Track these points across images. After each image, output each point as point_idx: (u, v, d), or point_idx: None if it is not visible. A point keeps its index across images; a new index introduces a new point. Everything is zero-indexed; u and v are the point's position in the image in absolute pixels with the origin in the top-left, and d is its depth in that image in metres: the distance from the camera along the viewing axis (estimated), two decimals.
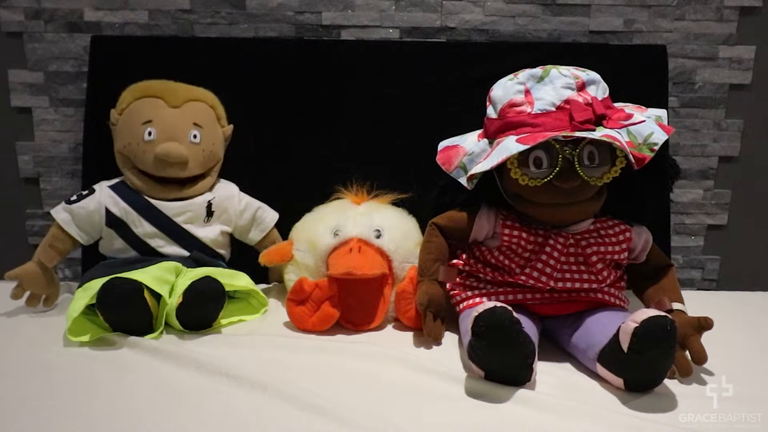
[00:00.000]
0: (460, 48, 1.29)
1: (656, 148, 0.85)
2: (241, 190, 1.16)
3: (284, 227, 1.15)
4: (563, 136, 0.83)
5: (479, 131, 0.98)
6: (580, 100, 0.86)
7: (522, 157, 0.86)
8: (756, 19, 1.29)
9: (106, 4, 1.28)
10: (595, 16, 1.29)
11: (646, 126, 0.87)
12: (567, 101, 0.86)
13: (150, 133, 1.04)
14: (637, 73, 1.24)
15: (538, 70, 0.89)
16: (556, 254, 0.89)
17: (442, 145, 1.01)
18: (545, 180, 0.85)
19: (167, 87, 1.09)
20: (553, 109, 0.86)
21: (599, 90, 0.89)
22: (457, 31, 1.30)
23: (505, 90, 0.90)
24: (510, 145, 0.84)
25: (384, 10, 1.29)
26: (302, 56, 1.26)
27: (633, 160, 0.84)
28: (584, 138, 0.83)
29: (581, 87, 0.87)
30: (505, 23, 1.30)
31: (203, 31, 1.29)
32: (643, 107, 0.94)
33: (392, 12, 1.29)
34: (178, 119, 1.06)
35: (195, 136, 1.06)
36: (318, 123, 1.27)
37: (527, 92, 0.88)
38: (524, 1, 1.29)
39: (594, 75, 0.89)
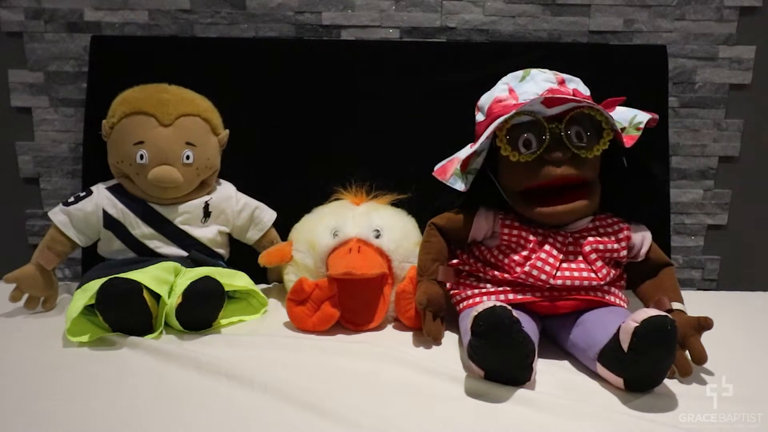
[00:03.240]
0: (460, 48, 1.29)
1: (642, 126, 0.89)
2: (241, 190, 1.16)
3: (284, 228, 1.15)
4: (546, 98, 0.85)
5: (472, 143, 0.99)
6: (562, 90, 0.90)
7: (512, 139, 0.88)
8: (756, 19, 1.29)
9: (106, 4, 1.28)
10: (595, 16, 1.29)
11: (628, 111, 0.92)
12: (549, 90, 0.89)
13: (142, 156, 1.03)
14: (637, 73, 1.24)
15: (519, 72, 0.94)
16: (555, 252, 0.89)
17: (438, 166, 1.01)
18: (536, 154, 0.87)
19: (159, 101, 1.05)
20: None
21: (579, 87, 0.94)
22: (457, 31, 1.30)
23: (490, 93, 0.96)
24: (497, 121, 0.88)
25: (384, 10, 1.29)
26: (302, 56, 1.26)
27: (620, 132, 0.88)
28: (570, 112, 0.86)
29: (561, 82, 0.92)
30: (505, 23, 1.30)
31: (203, 31, 1.29)
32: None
33: (392, 12, 1.29)
34: (170, 140, 1.05)
35: (188, 157, 1.05)
36: (317, 123, 1.27)
37: (511, 90, 0.93)
38: (524, 1, 1.29)
39: (575, 77, 0.94)
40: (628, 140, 0.89)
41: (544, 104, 0.86)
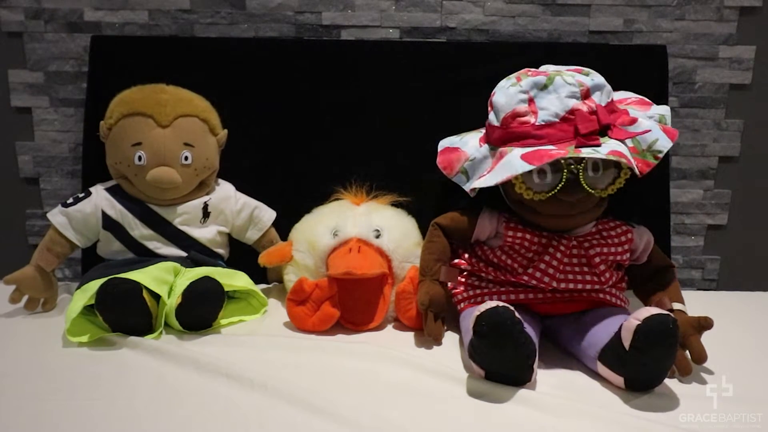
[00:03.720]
0: (460, 48, 1.28)
1: (660, 155, 0.85)
2: (240, 190, 1.16)
3: (284, 228, 1.15)
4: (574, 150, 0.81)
5: (479, 133, 0.98)
6: (585, 109, 0.84)
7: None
8: (756, 19, 1.29)
9: (106, 4, 1.28)
10: (595, 16, 1.29)
11: (650, 125, 0.86)
12: (571, 111, 0.84)
13: (140, 158, 1.03)
14: (637, 73, 1.24)
15: (541, 78, 0.86)
16: (559, 255, 0.89)
17: (441, 145, 1.01)
18: (550, 194, 0.85)
19: (157, 101, 1.05)
20: (557, 120, 0.84)
21: (603, 95, 0.87)
22: (457, 31, 1.30)
23: (507, 97, 0.88)
24: (515, 162, 0.83)
25: (384, 10, 1.29)
26: (302, 56, 1.26)
27: (638, 173, 0.83)
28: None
29: (586, 95, 0.86)
30: (505, 23, 1.30)
31: (203, 31, 1.29)
32: (647, 101, 0.93)
33: (392, 12, 1.29)
34: (168, 141, 1.04)
35: (186, 158, 1.05)
36: (317, 123, 1.26)
37: (531, 101, 0.86)
38: (524, 1, 1.28)
39: (598, 79, 0.88)
40: (643, 167, 0.84)
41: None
